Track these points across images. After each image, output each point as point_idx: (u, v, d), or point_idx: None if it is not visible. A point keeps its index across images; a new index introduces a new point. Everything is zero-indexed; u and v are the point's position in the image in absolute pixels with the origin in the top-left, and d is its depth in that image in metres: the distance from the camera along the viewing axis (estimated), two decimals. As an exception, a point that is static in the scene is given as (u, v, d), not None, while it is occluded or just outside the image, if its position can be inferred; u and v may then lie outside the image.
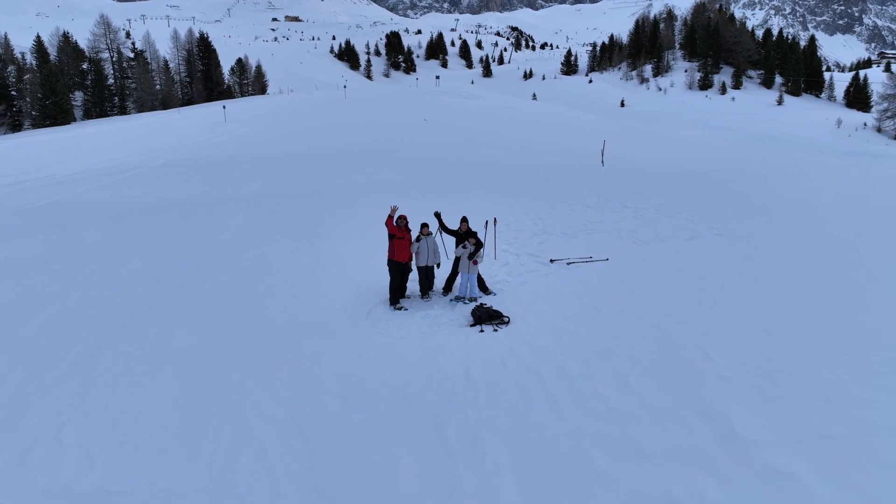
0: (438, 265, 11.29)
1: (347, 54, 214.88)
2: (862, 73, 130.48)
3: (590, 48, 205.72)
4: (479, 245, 11.04)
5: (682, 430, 7.15)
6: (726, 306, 10.46)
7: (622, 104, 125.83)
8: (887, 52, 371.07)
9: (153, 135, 54.23)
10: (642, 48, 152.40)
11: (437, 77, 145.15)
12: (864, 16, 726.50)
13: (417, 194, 21.84)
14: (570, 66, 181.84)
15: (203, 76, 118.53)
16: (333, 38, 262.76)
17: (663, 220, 16.58)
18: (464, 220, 11.37)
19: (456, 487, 6.46)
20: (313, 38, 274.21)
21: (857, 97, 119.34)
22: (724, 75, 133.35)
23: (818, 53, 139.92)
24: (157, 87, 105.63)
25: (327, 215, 18.79)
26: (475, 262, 10.86)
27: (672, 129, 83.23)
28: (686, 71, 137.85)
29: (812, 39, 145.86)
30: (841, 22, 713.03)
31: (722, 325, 9.72)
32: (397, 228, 10.77)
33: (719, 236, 14.70)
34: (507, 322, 10.01)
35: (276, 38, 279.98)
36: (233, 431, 7.46)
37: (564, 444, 7.05)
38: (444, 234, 11.74)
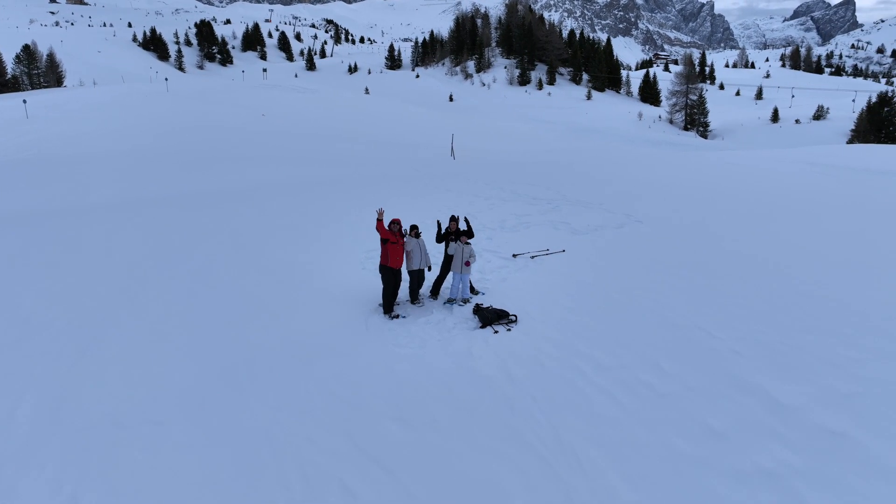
0: (430, 268, 10.85)
1: (154, 44, 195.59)
2: (651, 71, 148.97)
3: (409, 43, 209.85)
4: (468, 233, 10.88)
5: (733, 406, 7.68)
6: (697, 286, 11.39)
7: (451, 98, 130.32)
8: (661, 53, 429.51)
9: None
10: (464, 45, 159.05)
11: (265, 70, 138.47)
12: (639, 21, 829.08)
13: (322, 195, 20.78)
14: (394, 61, 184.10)
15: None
16: (129, 24, 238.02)
17: (581, 210, 17.54)
18: (453, 219, 11.06)
19: (571, 494, 6.34)
20: (105, 25, 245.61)
21: (650, 93, 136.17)
22: (540, 72, 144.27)
23: (614, 54, 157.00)
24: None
25: (229, 222, 17.05)
26: (467, 264, 10.62)
27: (502, 123, 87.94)
28: (506, 67, 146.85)
29: (608, 41, 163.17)
30: (621, 26, 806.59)
31: (705, 304, 10.57)
32: (391, 233, 10.16)
33: (641, 223, 15.93)
34: (516, 320, 9.96)
35: (57, 23, 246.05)
36: (300, 473, 6.59)
37: (643, 434, 7.22)
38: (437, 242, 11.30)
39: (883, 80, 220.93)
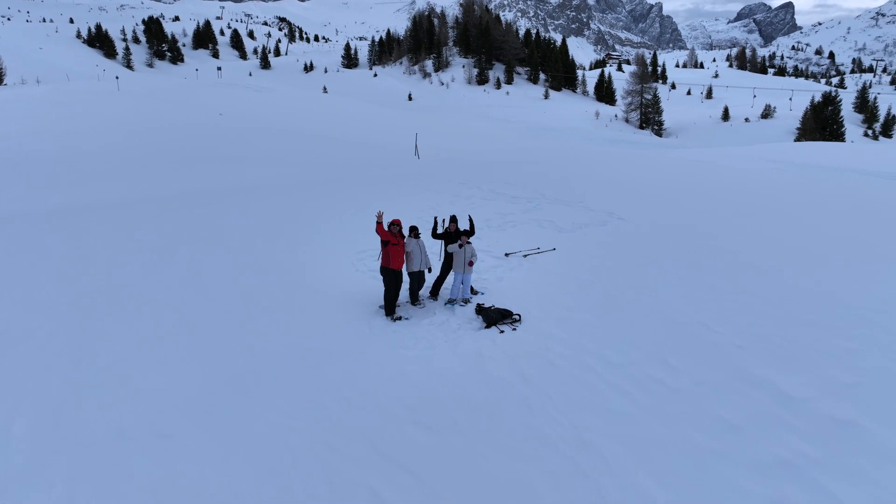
0: (430, 269, 10.74)
1: (100, 41, 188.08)
2: (606, 71, 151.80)
3: (365, 42, 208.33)
4: (470, 231, 10.85)
5: (743, 399, 7.85)
6: (690, 282, 11.61)
7: (410, 98, 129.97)
8: (613, 53, 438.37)
9: None
10: (422, 44, 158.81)
11: (220, 68, 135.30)
12: (590, 22, 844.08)
13: (299, 197, 20.41)
14: (350, 60, 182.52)
15: None
16: (71, 20, 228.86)
17: (563, 208, 17.68)
18: (453, 219, 10.98)
19: (602, 493, 6.36)
20: (46, 20, 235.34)
21: (605, 92, 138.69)
22: (497, 71, 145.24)
23: (570, 54, 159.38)
24: None
25: (209, 224, 16.55)
26: (470, 264, 10.56)
27: (463, 122, 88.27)
28: (464, 67, 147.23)
29: (564, 41, 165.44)
30: (574, 26, 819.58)
31: (701, 300, 10.78)
32: (391, 235, 10.01)
33: (623, 221, 16.17)
34: (520, 320, 9.95)
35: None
36: (326, 482, 6.44)
37: (661, 430, 7.31)
38: (433, 238, 11.20)
39: (823, 81, 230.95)
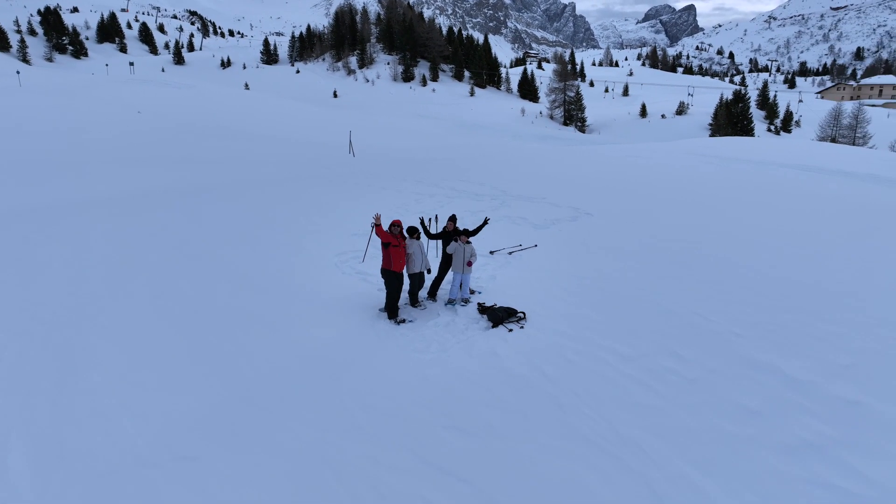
0: (429, 270, 10.55)
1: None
2: (528, 69, 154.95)
3: (283, 37, 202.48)
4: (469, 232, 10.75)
5: (755, 385, 8.20)
6: (674, 274, 12.02)
7: (335, 95, 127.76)
8: (530, 51, 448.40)
9: None
10: (345, 40, 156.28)
11: (132, 64, 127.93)
12: (507, 20, 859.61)
13: (253, 198, 19.57)
14: (270, 56, 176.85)
15: None
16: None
17: (528, 204, 17.90)
18: (451, 218, 10.83)
19: (653, 486, 6.46)
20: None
21: (528, 90, 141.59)
22: (423, 68, 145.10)
23: (493, 51, 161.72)
24: None
25: (164, 230, 15.59)
26: (469, 264, 10.46)
27: (392, 119, 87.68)
28: (389, 64, 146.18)
29: (486, 39, 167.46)
30: (491, 24, 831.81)
31: (690, 290, 11.18)
32: (392, 236, 9.76)
33: (591, 216, 16.55)
34: (525, 317, 9.96)
35: None
36: (376, 494, 6.20)
37: (689, 420, 7.51)
38: (428, 239, 11.00)
39: (727, 79, 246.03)
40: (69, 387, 8.01)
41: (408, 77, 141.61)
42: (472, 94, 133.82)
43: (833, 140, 76.10)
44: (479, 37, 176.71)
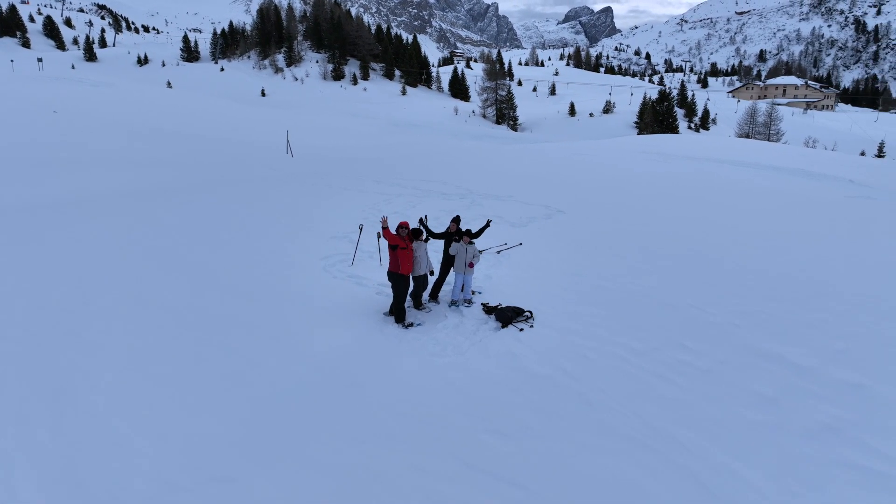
0: (433, 272, 10.35)
1: None
2: (458, 68, 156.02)
3: (203, 34, 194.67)
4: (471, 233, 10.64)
5: (765, 373, 8.52)
6: (662, 268, 12.36)
7: (263, 93, 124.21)
8: (456, 51, 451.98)
9: None
10: (271, 38, 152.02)
11: (40, 60, 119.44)
12: (432, 20, 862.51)
13: (207, 201, 18.68)
14: (191, 53, 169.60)
15: None
16: None
17: (499, 203, 17.97)
18: (455, 219, 10.67)
19: (700, 478, 6.56)
20: None
21: (459, 89, 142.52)
22: (353, 67, 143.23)
23: (422, 51, 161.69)
24: None
25: (127, 235, 14.62)
26: (471, 265, 10.34)
27: (324, 118, 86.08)
28: (318, 62, 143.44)
29: (415, 38, 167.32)
30: (416, 23, 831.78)
31: (681, 283, 11.51)
32: (399, 238, 9.50)
33: (564, 213, 16.79)
34: (532, 316, 9.96)
35: None
36: (432, 506, 5.98)
37: (714, 410, 7.70)
38: (431, 239, 10.77)
39: (646, 79, 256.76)
40: (68, 412, 7.30)
41: (338, 76, 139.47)
42: (403, 92, 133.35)
43: (748, 136, 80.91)
44: (406, 36, 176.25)
